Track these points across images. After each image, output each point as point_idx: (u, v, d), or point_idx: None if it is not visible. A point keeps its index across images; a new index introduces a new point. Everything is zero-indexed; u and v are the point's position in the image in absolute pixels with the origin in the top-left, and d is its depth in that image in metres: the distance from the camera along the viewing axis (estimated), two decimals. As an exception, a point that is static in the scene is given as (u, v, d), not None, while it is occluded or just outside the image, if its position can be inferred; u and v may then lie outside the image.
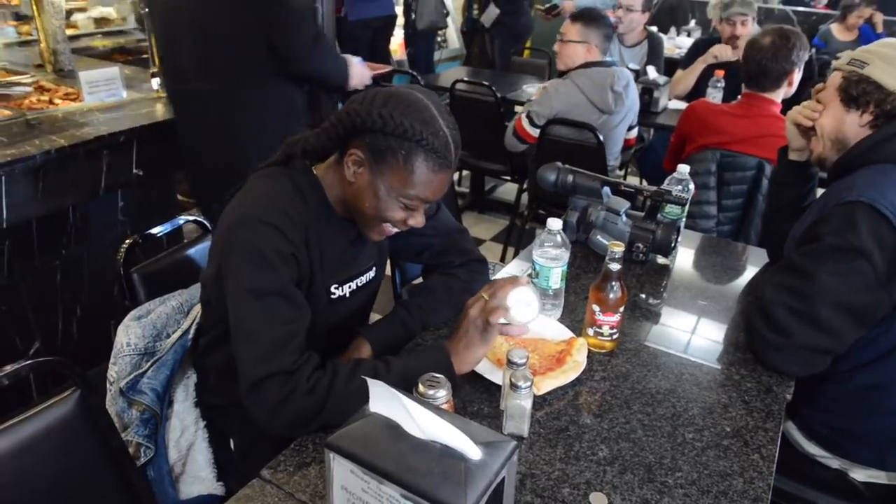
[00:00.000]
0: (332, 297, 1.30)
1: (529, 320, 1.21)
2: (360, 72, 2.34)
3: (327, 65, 2.20)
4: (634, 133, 3.19)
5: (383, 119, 1.10)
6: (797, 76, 2.39)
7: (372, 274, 1.39)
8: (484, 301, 1.19)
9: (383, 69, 2.99)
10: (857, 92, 1.42)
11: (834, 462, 1.52)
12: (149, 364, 1.32)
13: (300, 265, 1.17)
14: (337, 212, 1.25)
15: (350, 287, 1.33)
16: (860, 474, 1.50)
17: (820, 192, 1.61)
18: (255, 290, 1.11)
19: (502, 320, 1.18)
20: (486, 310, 1.17)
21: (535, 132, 3.01)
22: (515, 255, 1.82)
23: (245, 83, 2.09)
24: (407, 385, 1.04)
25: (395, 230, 1.25)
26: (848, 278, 1.30)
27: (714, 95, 3.24)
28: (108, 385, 1.33)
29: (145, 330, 1.34)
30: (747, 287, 1.73)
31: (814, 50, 4.41)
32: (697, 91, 3.48)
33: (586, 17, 2.89)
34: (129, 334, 1.33)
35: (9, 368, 1.04)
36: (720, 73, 3.30)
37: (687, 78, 3.57)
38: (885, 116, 1.41)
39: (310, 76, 2.21)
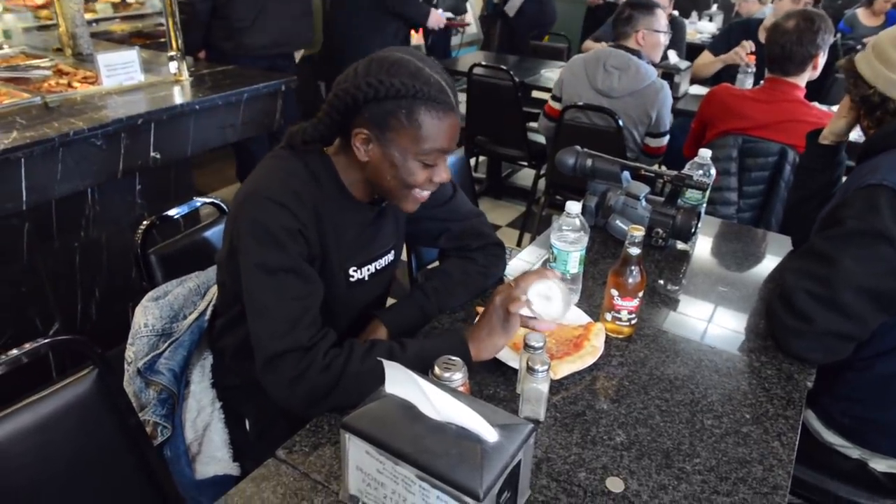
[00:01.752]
0: (351, 279, 1.29)
1: (555, 316, 1.17)
2: (436, 17, 4.07)
3: (411, 8, 3.95)
4: (661, 142, 2.95)
5: (372, 87, 1.08)
6: (822, 60, 2.33)
7: (391, 257, 1.38)
8: (509, 289, 1.18)
9: (459, 23, 5.34)
10: (849, 84, 1.44)
11: (854, 452, 1.50)
12: (166, 345, 1.33)
13: (310, 244, 1.16)
14: (352, 194, 1.24)
15: (369, 270, 1.32)
16: (881, 464, 1.48)
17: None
18: (266, 267, 1.11)
19: (527, 312, 1.17)
20: (509, 299, 1.16)
21: (558, 105, 3.01)
22: (532, 241, 1.81)
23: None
24: (422, 367, 1.04)
25: (427, 193, 1.23)
26: (870, 263, 1.27)
27: (745, 82, 3.17)
28: (125, 365, 1.34)
29: (163, 311, 1.35)
30: (769, 275, 1.70)
31: (839, 35, 4.32)
32: (718, 77, 3.43)
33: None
34: (147, 315, 1.34)
35: (28, 346, 1.04)
36: (752, 58, 3.24)
37: (712, 65, 3.51)
38: (873, 109, 1.39)
39: (400, 14, 3.90)
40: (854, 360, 1.38)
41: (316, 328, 1.12)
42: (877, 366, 1.40)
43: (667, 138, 2.96)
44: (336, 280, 1.25)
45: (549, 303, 1.16)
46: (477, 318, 1.23)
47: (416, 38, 5.94)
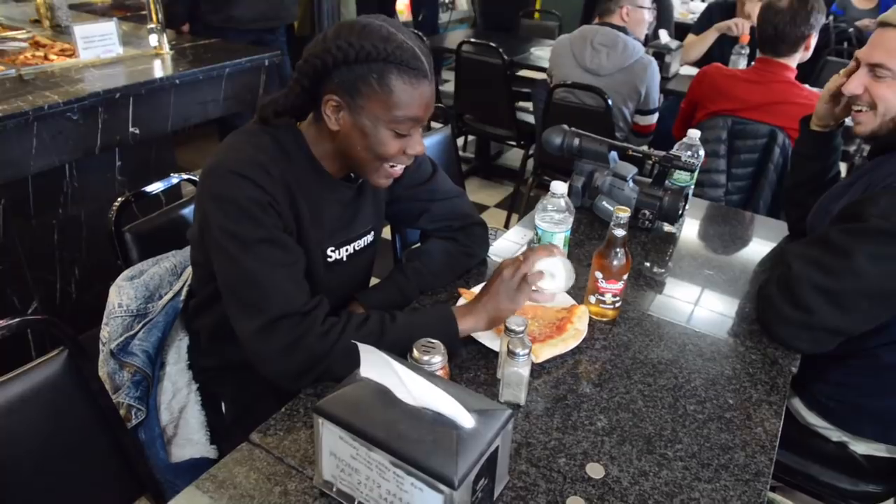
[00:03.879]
0: (329, 260, 1.26)
1: (558, 290, 1.23)
2: None
3: None
4: (651, 120, 2.95)
5: (342, 50, 1.04)
6: (814, 40, 2.30)
7: (370, 238, 1.35)
8: (520, 262, 1.19)
9: None
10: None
11: (834, 434, 1.49)
12: (140, 326, 1.30)
13: (283, 218, 1.13)
14: (327, 171, 1.21)
15: (347, 251, 1.29)
16: (860, 447, 1.48)
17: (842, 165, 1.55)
18: (242, 240, 1.07)
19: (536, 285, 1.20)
20: (523, 271, 1.18)
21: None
22: (519, 222, 1.78)
23: None
24: (410, 338, 1.03)
25: (400, 167, 1.19)
26: (886, 263, 1.23)
27: (739, 63, 3.14)
28: (100, 346, 1.31)
29: (137, 291, 1.31)
30: (761, 259, 1.68)
31: (831, 17, 4.29)
32: (709, 58, 3.39)
33: None
34: (122, 295, 1.30)
35: (-4, 325, 1.01)
36: (745, 39, 3.19)
37: (699, 44, 3.47)
38: None
39: None
40: (857, 349, 1.37)
41: (308, 295, 1.10)
42: (881, 355, 1.38)
43: (656, 116, 2.93)
44: (314, 260, 1.22)
45: (552, 279, 1.21)
46: (481, 291, 1.23)
47: (406, 14, 5.86)
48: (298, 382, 1.10)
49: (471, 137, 4.65)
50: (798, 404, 1.53)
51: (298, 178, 1.16)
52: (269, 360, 1.08)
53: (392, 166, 1.17)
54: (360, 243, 1.32)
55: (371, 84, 1.06)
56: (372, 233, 1.35)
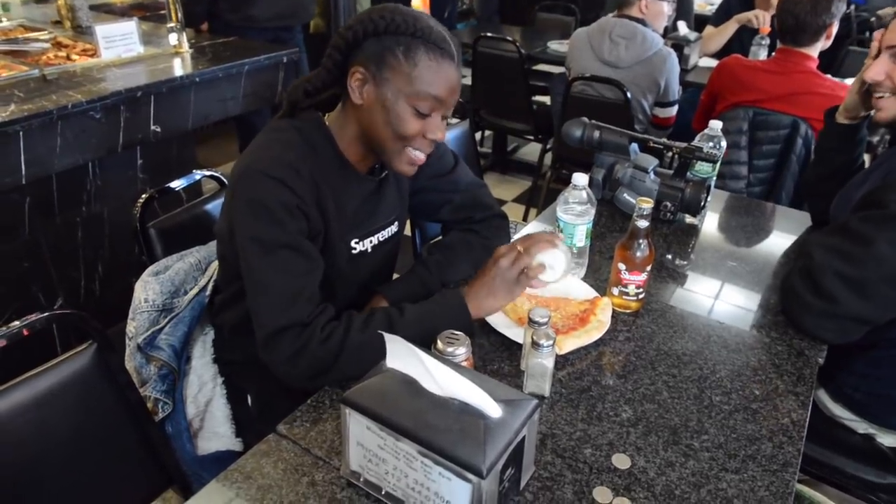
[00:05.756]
0: (354, 251, 1.27)
1: (552, 281, 1.20)
2: None
3: None
4: (670, 112, 2.93)
5: (374, 22, 1.08)
6: (835, 28, 2.28)
7: (394, 228, 1.36)
8: (518, 253, 1.16)
9: None
10: None
11: (861, 426, 1.48)
12: (166, 320, 1.31)
13: (310, 219, 1.14)
14: (352, 164, 1.21)
15: (371, 242, 1.30)
16: (887, 439, 1.46)
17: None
18: (264, 243, 1.09)
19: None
20: (522, 263, 1.16)
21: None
22: (538, 215, 1.78)
23: None
24: (421, 330, 1.04)
25: (423, 154, 1.18)
26: None
27: (759, 54, 3.10)
28: (126, 341, 1.32)
29: (163, 286, 1.33)
30: (785, 250, 1.66)
31: (853, 7, 4.22)
32: (728, 49, 3.35)
33: None
34: (147, 290, 1.32)
35: (17, 323, 1.02)
36: (765, 30, 3.16)
37: (718, 36, 3.44)
38: None
39: None
40: (883, 340, 1.35)
41: (314, 304, 1.10)
42: None
43: (675, 108, 2.91)
44: (338, 252, 1.23)
45: (552, 270, 1.18)
46: (475, 278, 1.20)
47: (423, 9, 5.86)
48: (312, 385, 1.11)
49: (487, 133, 4.64)
50: (823, 396, 1.51)
51: (324, 171, 1.17)
52: (278, 368, 1.09)
53: (414, 151, 1.17)
54: (385, 234, 1.33)
55: (397, 55, 1.08)
56: (396, 223, 1.35)
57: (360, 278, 1.31)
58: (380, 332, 0.95)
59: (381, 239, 1.32)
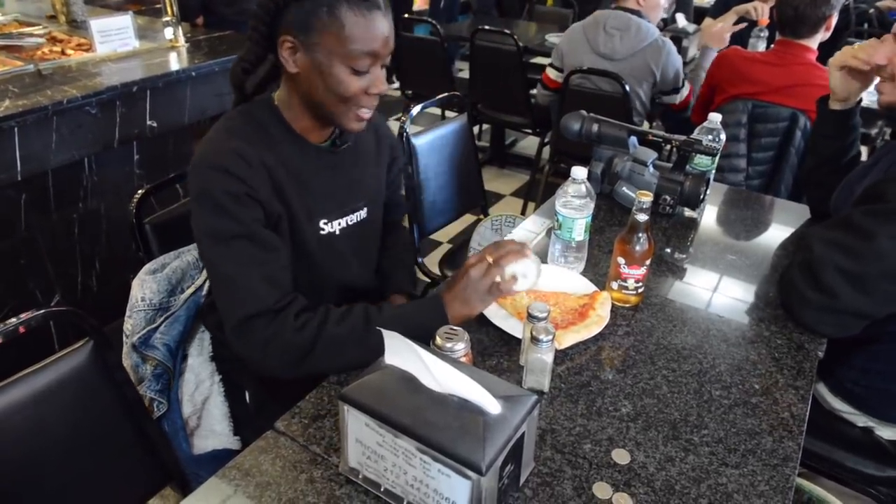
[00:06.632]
0: (322, 232, 1.24)
1: (522, 290, 1.17)
2: None
3: None
4: (684, 94, 2.87)
5: None
6: (834, 20, 2.26)
7: (363, 214, 1.32)
8: (488, 264, 1.13)
9: None
10: None
11: (860, 419, 1.48)
12: (161, 319, 1.30)
13: (264, 205, 1.12)
14: (306, 138, 1.19)
15: (339, 224, 1.27)
16: (886, 432, 1.46)
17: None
18: (218, 236, 1.08)
19: (498, 279, 1.14)
20: (494, 275, 1.12)
21: (555, 75, 2.96)
22: (536, 210, 1.77)
23: None
24: (400, 330, 1.02)
25: (368, 111, 1.16)
26: None
27: (758, 46, 3.09)
28: (124, 338, 1.32)
29: (160, 284, 1.32)
30: (782, 242, 1.66)
31: (851, -1, 4.21)
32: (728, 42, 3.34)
33: None
34: (144, 289, 1.31)
35: (14, 321, 1.01)
36: (764, 21, 3.14)
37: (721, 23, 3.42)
38: None
39: None
40: (882, 333, 1.35)
41: (281, 292, 1.10)
42: None
43: (688, 88, 2.87)
44: (307, 232, 1.21)
45: (524, 279, 1.15)
46: (448, 283, 1.18)
47: (421, 2, 5.82)
48: (286, 374, 1.11)
49: (485, 126, 4.62)
50: (823, 389, 1.51)
51: (280, 152, 1.15)
52: (250, 358, 1.09)
53: (360, 109, 1.14)
54: (353, 218, 1.30)
55: (322, 18, 1.05)
56: (365, 209, 1.33)
57: (330, 265, 1.28)
58: (361, 327, 0.95)
59: (349, 222, 1.29)
